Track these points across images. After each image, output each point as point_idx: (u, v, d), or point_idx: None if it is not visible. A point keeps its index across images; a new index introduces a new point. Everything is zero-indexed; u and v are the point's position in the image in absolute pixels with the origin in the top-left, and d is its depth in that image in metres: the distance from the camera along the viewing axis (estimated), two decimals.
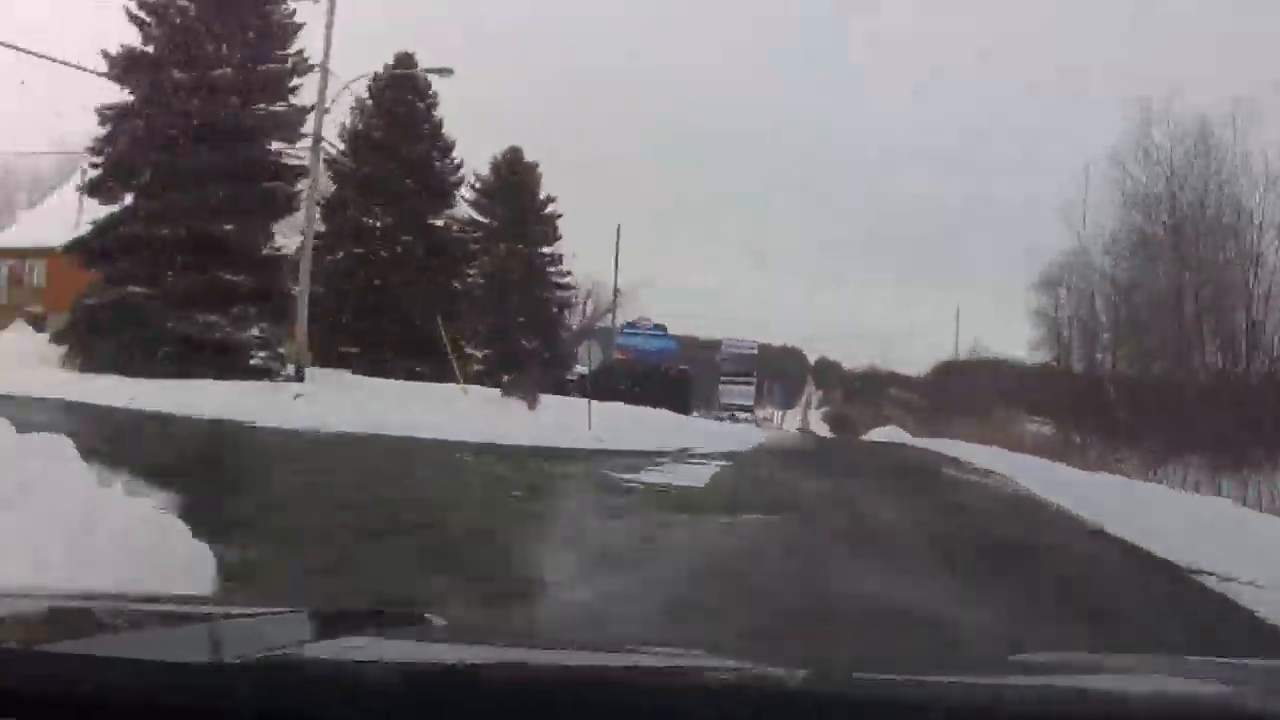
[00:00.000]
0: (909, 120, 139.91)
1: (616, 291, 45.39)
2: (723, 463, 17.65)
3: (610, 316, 47.55)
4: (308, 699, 1.16)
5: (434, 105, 31.30)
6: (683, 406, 35.87)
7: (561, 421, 19.93)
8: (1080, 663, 1.82)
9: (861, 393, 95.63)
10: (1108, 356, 33.10)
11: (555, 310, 38.95)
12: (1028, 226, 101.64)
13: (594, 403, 20.67)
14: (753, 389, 78.24)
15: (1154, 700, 1.42)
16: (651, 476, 13.72)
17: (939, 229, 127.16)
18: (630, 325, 51.95)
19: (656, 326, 54.26)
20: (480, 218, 38.07)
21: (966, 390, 49.87)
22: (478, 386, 25.63)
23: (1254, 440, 22.60)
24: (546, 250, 38.34)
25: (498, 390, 23.67)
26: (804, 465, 20.14)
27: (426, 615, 1.99)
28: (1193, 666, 1.87)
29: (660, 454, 17.92)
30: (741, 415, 66.64)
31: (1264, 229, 27.25)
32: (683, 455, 18.62)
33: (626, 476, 13.29)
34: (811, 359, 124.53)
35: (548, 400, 23.15)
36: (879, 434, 50.08)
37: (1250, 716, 1.39)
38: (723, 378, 76.48)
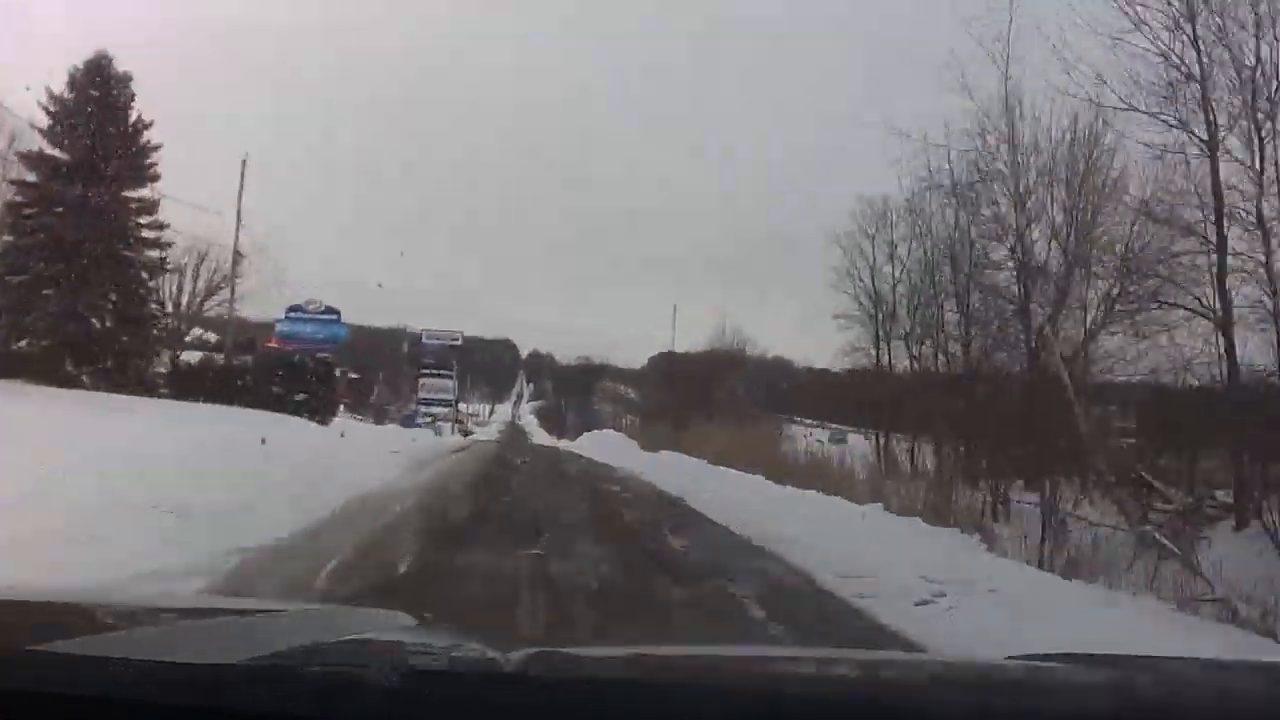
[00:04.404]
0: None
1: (237, 255, 34.35)
2: None
3: (231, 288, 35.67)
4: (307, 699, 1.15)
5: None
6: (326, 407, 27.16)
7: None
8: (1081, 663, 1.70)
9: (575, 385, 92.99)
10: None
11: (146, 277, 27.81)
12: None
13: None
14: (452, 383, 70.79)
15: (1154, 700, 1.41)
16: None
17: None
18: (296, 308, 41.38)
19: (328, 310, 43.91)
20: (57, 152, 27.00)
21: (716, 389, 43.81)
22: None
23: None
24: (137, 195, 27.31)
25: None
26: None
27: (427, 616, 1.97)
28: (1195, 667, 1.86)
29: None
30: (441, 413, 60.84)
31: None
32: None
33: None
34: (524, 351, 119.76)
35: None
36: (592, 442, 41.84)
37: (1254, 717, 1.38)
38: (422, 371, 70.28)
